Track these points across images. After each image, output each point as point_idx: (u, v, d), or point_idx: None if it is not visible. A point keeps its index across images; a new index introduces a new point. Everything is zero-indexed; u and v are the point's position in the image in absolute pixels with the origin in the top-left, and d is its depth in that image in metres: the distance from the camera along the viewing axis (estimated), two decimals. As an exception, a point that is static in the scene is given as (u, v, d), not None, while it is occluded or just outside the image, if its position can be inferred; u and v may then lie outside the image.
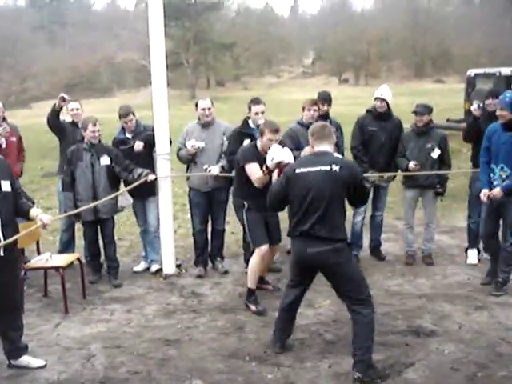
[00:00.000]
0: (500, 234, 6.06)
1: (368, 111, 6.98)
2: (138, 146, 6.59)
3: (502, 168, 5.79)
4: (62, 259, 6.08)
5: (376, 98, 6.85)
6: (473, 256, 6.89)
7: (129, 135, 6.74)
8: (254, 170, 5.36)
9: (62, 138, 6.94)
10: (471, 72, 16.61)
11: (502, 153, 5.77)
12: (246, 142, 6.07)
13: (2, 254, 4.26)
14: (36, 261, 5.98)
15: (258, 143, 5.47)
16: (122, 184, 6.67)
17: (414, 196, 6.88)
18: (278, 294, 5.75)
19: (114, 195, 6.36)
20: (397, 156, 6.82)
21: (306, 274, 4.59)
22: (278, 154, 4.99)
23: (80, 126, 6.59)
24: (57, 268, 5.87)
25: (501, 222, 5.98)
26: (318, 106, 6.64)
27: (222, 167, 6.44)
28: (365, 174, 6.23)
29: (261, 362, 4.58)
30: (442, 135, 6.81)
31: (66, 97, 6.68)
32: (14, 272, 4.50)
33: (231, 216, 6.95)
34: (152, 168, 6.63)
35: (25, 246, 5.89)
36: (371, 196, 7.03)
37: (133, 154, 6.59)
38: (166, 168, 6.63)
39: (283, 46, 54.73)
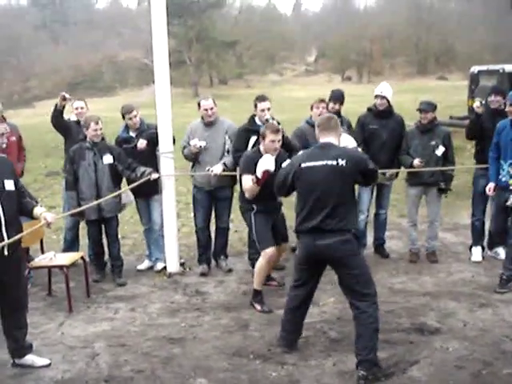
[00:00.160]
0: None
1: (369, 109, 6.96)
2: (142, 144, 6.59)
3: (510, 164, 5.81)
4: (66, 258, 6.09)
5: (376, 96, 6.83)
6: (477, 253, 6.87)
7: (132, 134, 6.73)
8: (245, 181, 5.41)
9: (67, 136, 6.95)
10: (474, 69, 16.56)
11: (511, 149, 5.78)
12: (253, 138, 6.08)
13: (6, 253, 4.26)
14: (40, 260, 5.98)
15: (261, 147, 5.46)
16: (124, 183, 6.68)
17: (418, 193, 6.87)
18: (283, 291, 5.76)
19: (117, 193, 6.36)
20: (401, 153, 6.81)
21: (312, 270, 4.54)
22: (265, 164, 5.12)
23: (82, 124, 6.59)
24: (61, 267, 5.87)
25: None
26: (327, 104, 6.65)
27: (225, 165, 6.43)
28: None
29: (265, 360, 4.58)
30: (446, 132, 6.80)
31: (67, 95, 6.68)
32: (18, 271, 4.50)
33: (235, 214, 6.95)
34: (155, 166, 6.62)
35: (29, 244, 5.90)
36: (375, 194, 7.03)
37: (136, 153, 6.58)
38: (169, 166, 6.62)
39: (286, 44, 54.61)
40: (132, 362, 4.63)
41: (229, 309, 5.67)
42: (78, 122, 6.90)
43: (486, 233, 6.95)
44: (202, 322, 5.40)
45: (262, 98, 6.34)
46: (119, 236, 6.81)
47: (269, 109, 6.28)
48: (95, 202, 6.19)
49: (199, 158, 6.58)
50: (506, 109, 5.89)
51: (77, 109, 7.01)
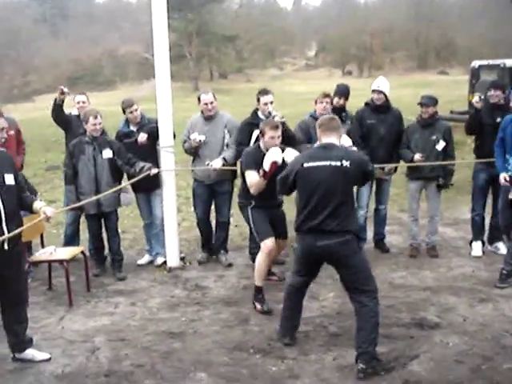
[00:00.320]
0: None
1: (366, 104, 6.94)
2: (142, 137, 6.58)
3: None
4: (66, 252, 6.08)
5: (373, 91, 6.80)
6: (477, 248, 6.87)
7: (133, 128, 6.72)
8: (251, 177, 5.35)
9: (68, 131, 6.94)
10: (475, 63, 16.53)
11: None
12: (256, 132, 6.05)
13: (7, 248, 4.26)
14: (40, 254, 5.98)
15: (261, 144, 5.45)
16: (125, 178, 6.66)
17: (418, 188, 6.86)
18: (283, 286, 5.75)
19: (116, 189, 6.34)
20: (401, 147, 6.79)
21: (312, 266, 4.60)
22: (273, 155, 5.06)
23: (81, 118, 6.57)
24: (61, 261, 5.87)
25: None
26: (331, 98, 6.64)
27: (224, 159, 6.43)
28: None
29: (265, 355, 4.58)
30: (446, 127, 6.78)
31: (66, 89, 6.67)
32: (18, 266, 4.49)
33: (235, 208, 6.95)
34: (156, 161, 6.62)
35: (29, 239, 5.90)
36: (374, 189, 7.02)
37: (137, 147, 6.57)
38: (169, 161, 6.61)
39: (286, 38, 54.55)
40: (132, 357, 4.63)
41: (229, 303, 5.68)
42: (79, 116, 6.88)
43: (487, 228, 6.95)
44: (202, 316, 5.40)
45: (264, 92, 6.34)
46: (119, 230, 6.81)
47: (271, 102, 6.29)
48: (95, 197, 6.18)
49: (199, 152, 6.59)
50: (511, 104, 5.88)
51: (78, 103, 7.00)
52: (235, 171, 6.72)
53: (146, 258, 7.02)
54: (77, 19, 53.31)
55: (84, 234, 7.05)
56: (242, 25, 48.73)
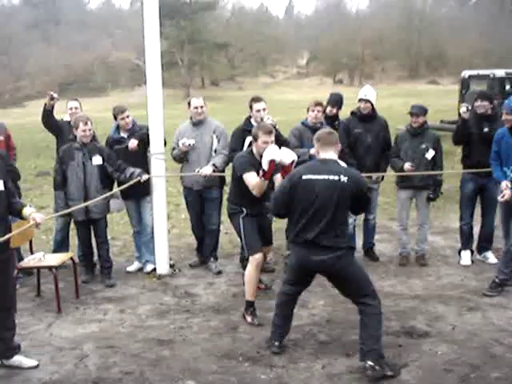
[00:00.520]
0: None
1: (352, 113, 6.96)
2: (133, 143, 6.57)
3: None
4: (55, 259, 6.06)
5: (360, 100, 6.82)
6: (466, 257, 6.90)
7: (124, 134, 6.71)
8: (251, 179, 5.27)
9: (60, 136, 6.93)
10: (465, 73, 16.67)
11: None
12: (248, 139, 6.04)
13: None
14: (29, 260, 5.95)
15: (254, 148, 5.44)
16: (115, 185, 6.64)
17: (408, 197, 6.89)
18: (272, 294, 5.75)
19: (104, 196, 6.30)
20: (391, 156, 6.82)
21: (306, 277, 4.64)
22: (270, 154, 4.97)
23: (72, 124, 6.55)
24: (50, 267, 5.85)
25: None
26: (324, 107, 6.67)
27: (214, 165, 6.45)
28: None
29: (254, 363, 4.57)
30: (436, 136, 6.83)
31: (55, 95, 6.66)
32: (7, 272, 4.47)
33: (225, 215, 6.94)
34: (147, 167, 6.61)
35: (18, 245, 5.86)
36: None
37: (128, 154, 6.56)
38: (160, 167, 6.61)
39: (278, 47, 54.71)
40: (120, 364, 4.61)
41: (218, 311, 5.66)
42: (70, 122, 6.87)
43: (475, 237, 6.98)
44: (192, 323, 5.38)
45: (257, 99, 6.39)
46: (109, 237, 6.78)
47: (264, 109, 6.32)
48: (83, 204, 6.15)
49: (187, 157, 6.60)
50: (503, 117, 5.90)
51: (71, 109, 6.98)
52: (224, 177, 6.73)
53: (135, 265, 7.00)
54: (69, 25, 53.30)
55: (73, 240, 7.02)
56: (234, 33, 48.91)
